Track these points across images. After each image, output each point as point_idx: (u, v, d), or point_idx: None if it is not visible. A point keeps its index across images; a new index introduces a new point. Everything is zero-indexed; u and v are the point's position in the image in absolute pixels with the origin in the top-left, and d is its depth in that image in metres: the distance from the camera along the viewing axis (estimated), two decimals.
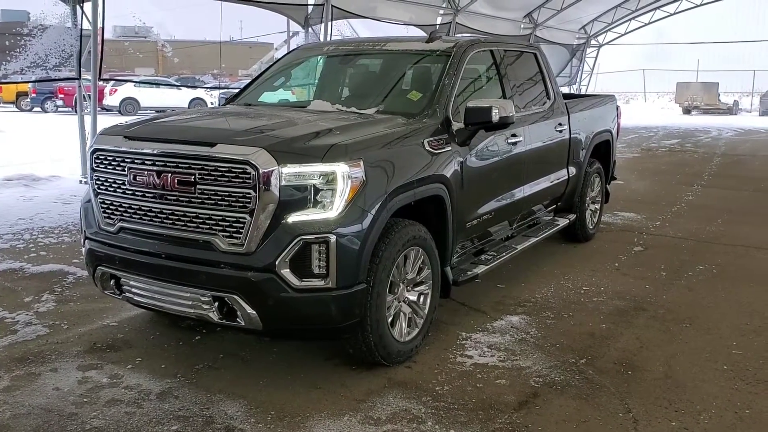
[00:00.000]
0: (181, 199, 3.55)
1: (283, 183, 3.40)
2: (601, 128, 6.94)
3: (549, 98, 5.92)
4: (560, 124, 5.93)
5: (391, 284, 3.86)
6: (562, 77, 23.81)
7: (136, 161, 3.68)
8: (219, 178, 3.45)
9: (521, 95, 5.47)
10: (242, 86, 5.59)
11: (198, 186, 3.49)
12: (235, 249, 3.47)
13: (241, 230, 3.45)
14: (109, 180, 3.83)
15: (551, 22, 21.33)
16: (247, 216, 3.43)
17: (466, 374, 3.92)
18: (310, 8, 14.34)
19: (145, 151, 3.66)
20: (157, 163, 3.61)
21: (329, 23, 14.16)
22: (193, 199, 3.52)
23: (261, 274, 3.42)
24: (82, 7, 10.02)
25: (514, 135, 5.07)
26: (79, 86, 10.69)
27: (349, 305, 3.54)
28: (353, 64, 5.28)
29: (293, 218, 3.42)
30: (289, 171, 3.41)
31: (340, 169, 3.48)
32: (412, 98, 4.59)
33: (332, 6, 14.09)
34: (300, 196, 3.44)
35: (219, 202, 3.47)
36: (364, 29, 16.19)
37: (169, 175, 3.55)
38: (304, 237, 3.39)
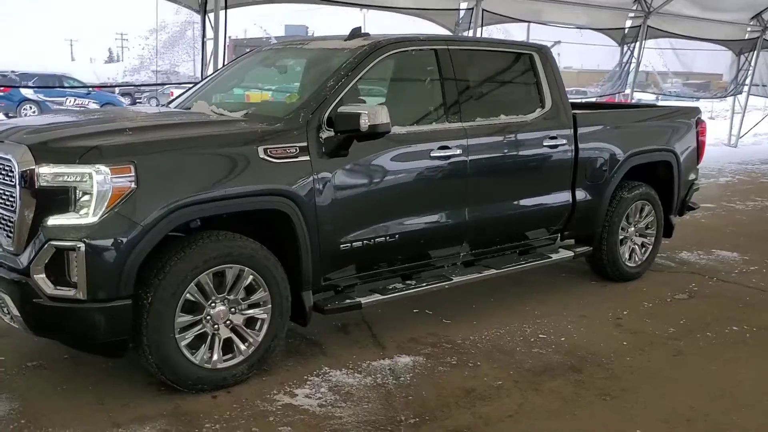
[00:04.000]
0: None
1: (42, 183, 3.24)
2: (651, 146, 5.74)
3: (542, 106, 5.02)
4: (553, 138, 4.99)
5: (196, 304, 3.52)
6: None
7: None
8: None
9: (477, 102, 4.70)
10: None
11: None
12: (9, 248, 3.39)
13: (13, 229, 3.36)
14: None
15: None
16: (13, 215, 3.33)
17: (261, 415, 3.44)
18: (461, 12, 13.91)
19: None
20: None
21: (479, 29, 13.60)
22: None
23: (20, 277, 3.31)
24: None
25: (444, 147, 4.36)
26: None
27: (106, 321, 3.28)
28: (272, 65, 4.90)
29: (51, 221, 3.25)
30: (46, 171, 3.24)
31: (99, 172, 3.22)
32: (287, 101, 4.15)
33: (483, 10, 13.50)
34: (60, 199, 3.26)
35: None
36: (523, 34, 15.25)
37: None
38: (54, 242, 3.21)
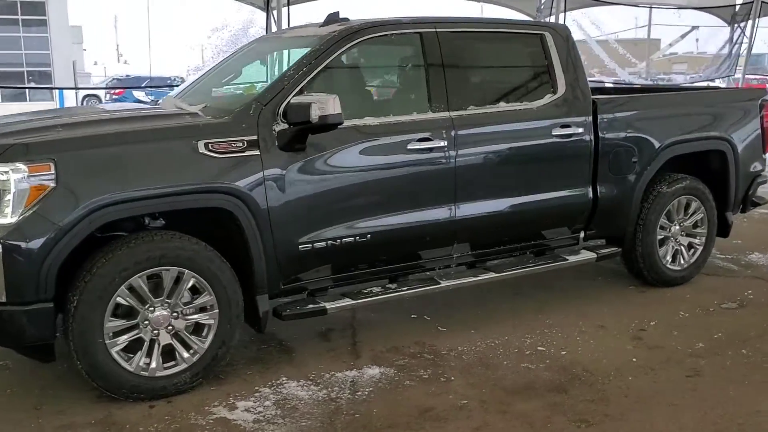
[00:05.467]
0: None
1: None
2: (696, 134, 5.05)
3: (553, 92, 4.49)
4: (565, 126, 4.45)
5: (133, 309, 3.35)
6: None
7: None
8: None
9: (470, 89, 4.25)
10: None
11: None
12: None
13: None
14: None
15: None
16: None
17: (188, 429, 3.23)
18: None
19: None
20: None
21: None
22: None
23: None
24: None
25: (424, 140, 3.97)
26: None
27: (27, 324, 3.16)
28: (258, 57, 4.64)
29: None
30: None
31: (17, 170, 3.10)
32: (245, 93, 3.89)
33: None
34: None
35: None
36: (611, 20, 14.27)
37: None
38: None
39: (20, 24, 30.26)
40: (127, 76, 28.55)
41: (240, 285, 3.61)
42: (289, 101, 3.58)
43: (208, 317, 3.52)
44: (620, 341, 4.18)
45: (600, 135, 4.61)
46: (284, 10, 10.54)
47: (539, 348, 4.08)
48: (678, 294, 5.01)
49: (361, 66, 4.16)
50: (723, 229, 5.39)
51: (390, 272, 4.18)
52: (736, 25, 15.91)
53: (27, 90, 29.94)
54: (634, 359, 3.91)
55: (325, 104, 3.44)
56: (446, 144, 4.03)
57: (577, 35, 15.34)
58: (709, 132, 5.12)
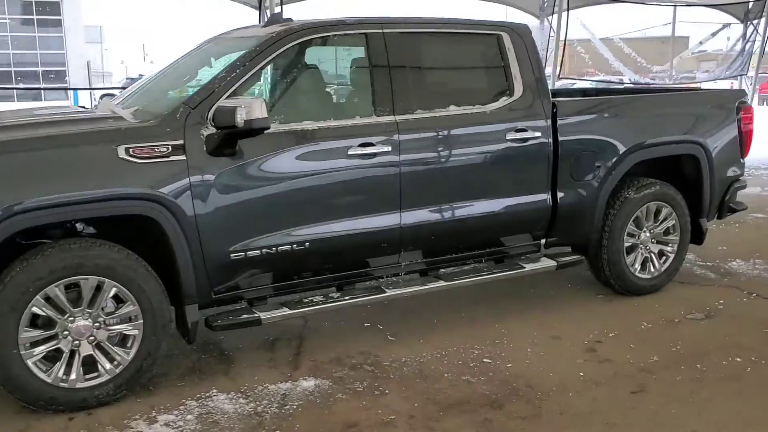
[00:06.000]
0: None
1: None
2: (664, 137, 4.85)
3: (509, 95, 4.34)
4: (521, 131, 4.30)
5: (51, 319, 3.27)
6: None
7: None
8: None
9: (418, 93, 4.10)
10: None
11: None
12: None
13: None
14: None
15: None
16: None
17: None
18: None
19: None
20: None
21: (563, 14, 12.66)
22: None
23: None
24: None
25: (366, 144, 3.85)
26: None
27: None
28: (206, 58, 4.52)
29: None
30: None
31: None
32: (177, 96, 3.79)
33: None
34: None
35: None
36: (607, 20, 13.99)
37: None
38: None
39: (35, 24, 30.60)
40: (140, 75, 28.71)
41: (169, 294, 3.51)
42: (217, 105, 3.48)
43: (132, 328, 3.43)
44: (573, 353, 4.02)
45: (560, 139, 4.44)
46: (276, 9, 10.46)
47: (485, 360, 3.94)
48: (646, 304, 4.83)
49: (301, 68, 4.03)
50: (697, 236, 5.19)
51: (335, 280, 4.06)
52: (749, 23, 15.55)
53: (42, 89, 30.27)
54: (581, 374, 3.75)
55: (250, 108, 3.32)
56: (390, 149, 3.90)
57: (581, 34, 15.12)
58: (680, 135, 4.92)
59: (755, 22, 15.22)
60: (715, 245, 6.28)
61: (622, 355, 3.98)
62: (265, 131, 3.45)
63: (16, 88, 30.17)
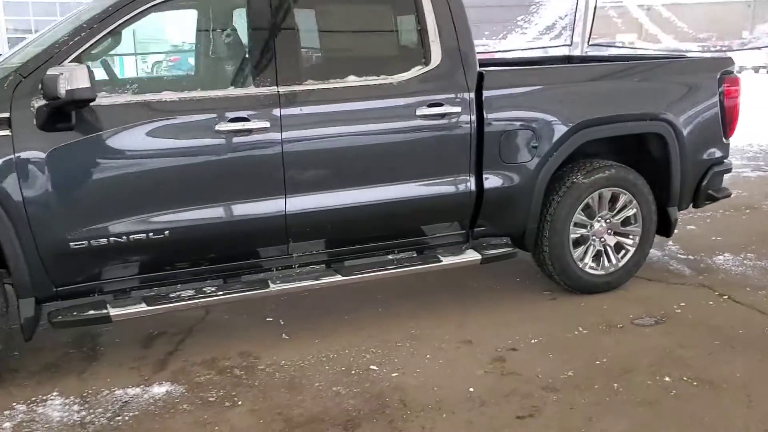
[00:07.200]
0: None
1: None
2: (620, 112, 4.20)
3: (424, 63, 3.78)
4: (436, 105, 3.74)
5: None
6: None
7: None
8: None
9: (310, 61, 3.60)
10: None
11: None
12: None
13: None
14: None
15: None
16: None
17: None
18: None
19: None
20: None
21: None
22: None
23: None
24: None
25: (239, 119, 3.37)
26: None
27: None
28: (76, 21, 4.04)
29: None
30: None
31: None
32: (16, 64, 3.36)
33: None
34: None
35: None
36: None
37: None
38: None
39: None
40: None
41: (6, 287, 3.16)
42: (45, 73, 3.05)
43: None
44: (476, 363, 3.50)
45: (486, 115, 3.86)
46: None
47: (372, 367, 3.46)
48: (593, 304, 4.23)
49: (164, 31, 3.57)
50: (665, 226, 4.53)
51: (217, 272, 3.63)
52: None
53: None
54: (471, 389, 3.23)
55: (71, 76, 2.89)
56: (269, 125, 3.42)
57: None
58: (640, 111, 4.25)
59: None
60: (710, 235, 5.60)
61: (532, 368, 3.43)
62: (102, 103, 3.02)
63: None
